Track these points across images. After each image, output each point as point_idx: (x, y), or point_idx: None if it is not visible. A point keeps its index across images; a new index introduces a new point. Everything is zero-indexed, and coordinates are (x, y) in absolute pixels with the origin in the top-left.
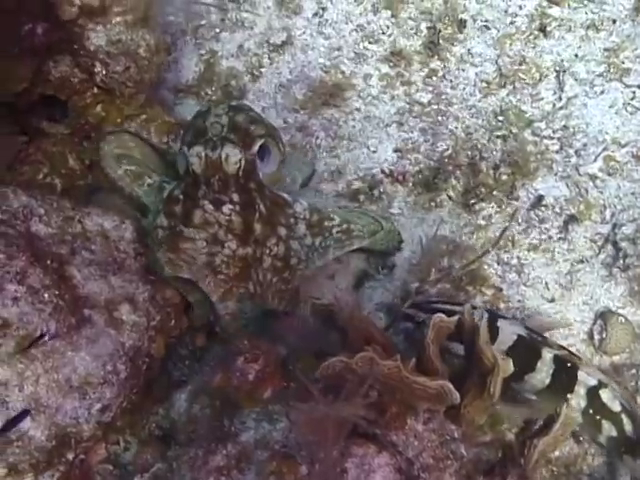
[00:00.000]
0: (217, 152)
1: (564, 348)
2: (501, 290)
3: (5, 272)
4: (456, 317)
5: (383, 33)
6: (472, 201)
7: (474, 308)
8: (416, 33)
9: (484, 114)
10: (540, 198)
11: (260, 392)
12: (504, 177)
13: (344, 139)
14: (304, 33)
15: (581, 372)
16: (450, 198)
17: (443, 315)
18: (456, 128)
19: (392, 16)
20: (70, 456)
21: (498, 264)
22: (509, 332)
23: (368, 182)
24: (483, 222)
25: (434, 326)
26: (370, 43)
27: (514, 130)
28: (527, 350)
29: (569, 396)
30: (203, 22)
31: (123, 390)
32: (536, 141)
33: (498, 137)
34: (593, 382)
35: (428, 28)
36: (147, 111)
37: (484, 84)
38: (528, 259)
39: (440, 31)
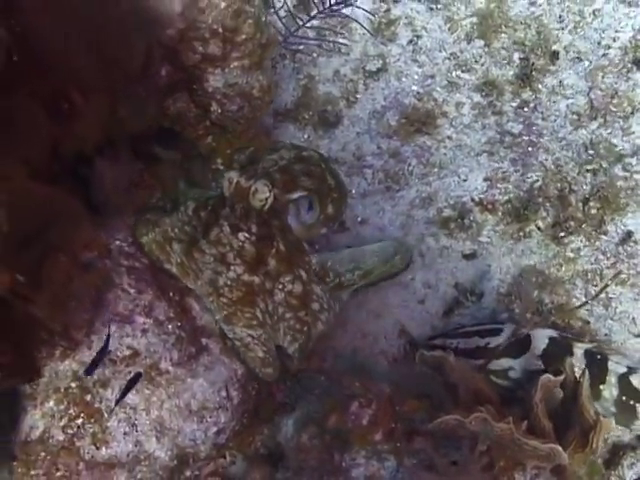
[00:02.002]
0: (249, 183)
1: None
2: (588, 323)
3: (135, 305)
4: (562, 376)
5: (476, 62)
6: (561, 234)
7: (502, 323)
8: (509, 63)
9: (574, 147)
10: (629, 234)
11: (372, 434)
12: (593, 211)
13: (435, 167)
14: (398, 60)
15: (610, 362)
16: (539, 229)
17: (550, 375)
18: (546, 160)
19: (485, 45)
20: (188, 473)
21: (586, 297)
22: (541, 337)
23: (458, 210)
24: (572, 255)
25: (542, 386)
26: (463, 72)
27: (604, 164)
28: (559, 350)
29: (602, 387)
30: (301, 47)
31: (236, 415)
32: (626, 176)
33: (588, 171)
34: (623, 369)
35: (521, 59)
36: (256, 144)
37: (575, 116)
38: (616, 293)
39: (533, 62)
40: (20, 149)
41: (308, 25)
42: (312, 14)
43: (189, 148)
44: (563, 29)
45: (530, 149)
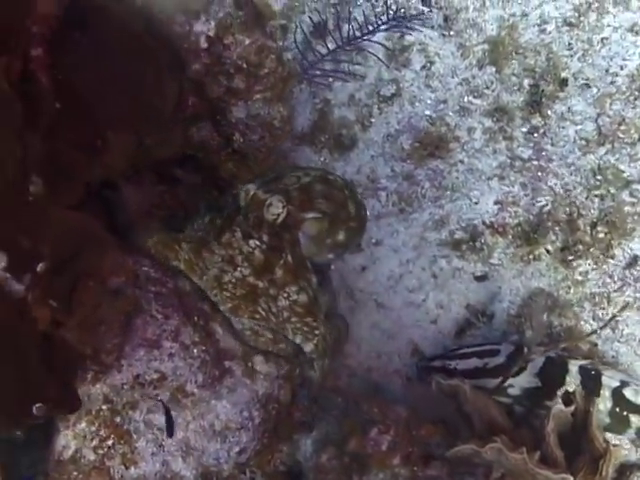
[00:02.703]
0: (266, 196)
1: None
2: (596, 345)
3: (162, 330)
4: (573, 407)
5: (487, 88)
6: (570, 257)
7: (499, 344)
8: (519, 89)
9: (583, 172)
10: (636, 258)
11: (390, 459)
12: (601, 235)
13: (448, 190)
14: (412, 85)
15: (604, 377)
16: (548, 252)
17: (562, 406)
18: (555, 184)
19: (496, 71)
20: None
21: (594, 320)
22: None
23: (470, 232)
24: (580, 278)
25: (554, 416)
26: (474, 97)
27: (612, 190)
28: (556, 367)
29: (596, 400)
30: (318, 72)
31: (257, 434)
32: (633, 202)
33: (596, 196)
34: (616, 383)
35: (530, 85)
36: (275, 170)
37: (583, 142)
38: (623, 316)
39: (543, 89)
40: (65, 196)
41: (324, 51)
42: (330, 47)
43: (210, 172)
44: (572, 56)
45: (540, 174)
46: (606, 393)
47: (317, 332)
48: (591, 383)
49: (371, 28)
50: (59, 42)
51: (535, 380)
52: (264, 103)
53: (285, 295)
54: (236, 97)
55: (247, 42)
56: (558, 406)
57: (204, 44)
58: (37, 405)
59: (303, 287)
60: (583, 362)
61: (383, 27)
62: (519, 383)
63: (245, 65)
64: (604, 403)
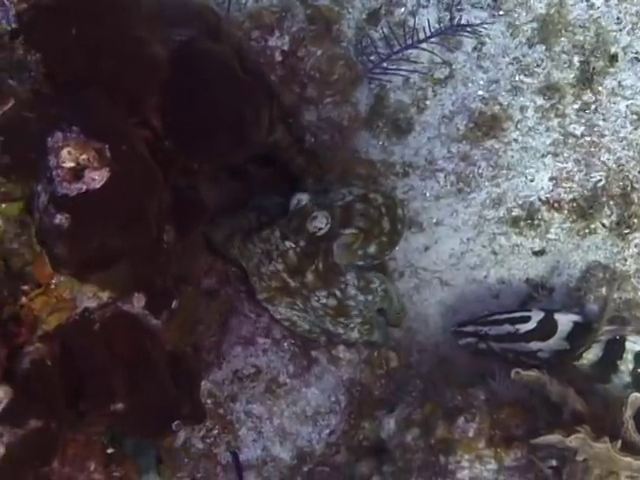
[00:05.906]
0: (313, 208)
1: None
2: None
3: (256, 328)
4: None
5: (538, 66)
6: (625, 231)
7: (529, 310)
8: (569, 66)
9: (635, 146)
10: None
11: (476, 444)
12: None
13: (504, 168)
14: (464, 67)
15: (628, 342)
16: (604, 226)
17: (637, 394)
18: (608, 159)
19: (546, 49)
20: (305, 469)
21: None
22: (566, 321)
23: (527, 209)
24: (636, 250)
25: (631, 404)
26: (526, 76)
27: None
28: (583, 333)
29: (618, 362)
30: (372, 57)
31: (343, 416)
32: None
33: None
34: (639, 347)
35: (580, 62)
36: (344, 165)
37: (634, 116)
38: None
39: (593, 65)
40: (190, 237)
41: (377, 36)
42: (385, 32)
43: (281, 167)
44: (621, 30)
45: (592, 149)
46: (629, 356)
47: (352, 325)
48: (615, 347)
49: (433, 32)
50: (167, 85)
51: (564, 343)
52: (334, 106)
53: (315, 298)
54: (308, 103)
55: (319, 53)
56: (635, 394)
57: (279, 57)
58: (176, 422)
59: (332, 292)
60: (610, 327)
61: (447, 31)
62: (548, 346)
63: (317, 74)
64: (626, 365)
